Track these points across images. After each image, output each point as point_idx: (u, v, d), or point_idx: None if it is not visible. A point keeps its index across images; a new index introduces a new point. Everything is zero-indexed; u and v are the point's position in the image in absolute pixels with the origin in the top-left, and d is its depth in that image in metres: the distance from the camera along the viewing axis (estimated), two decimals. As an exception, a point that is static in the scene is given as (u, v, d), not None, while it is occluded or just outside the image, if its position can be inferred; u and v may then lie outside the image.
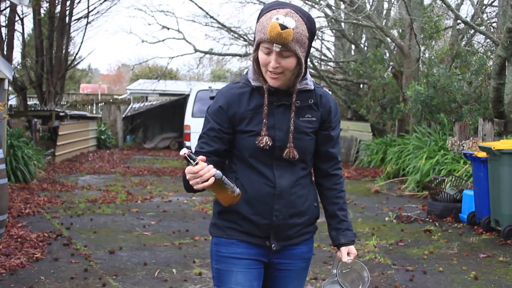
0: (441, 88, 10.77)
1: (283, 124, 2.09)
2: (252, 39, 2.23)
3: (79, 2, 17.08)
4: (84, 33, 17.05)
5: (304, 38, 2.00)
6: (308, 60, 2.20)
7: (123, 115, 20.05)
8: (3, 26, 14.05)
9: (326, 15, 15.08)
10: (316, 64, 17.19)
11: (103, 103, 23.09)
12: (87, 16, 16.86)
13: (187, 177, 1.90)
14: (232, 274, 2.13)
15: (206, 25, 16.92)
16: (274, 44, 1.96)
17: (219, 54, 18.07)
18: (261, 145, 2.06)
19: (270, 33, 1.94)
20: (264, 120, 2.07)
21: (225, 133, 2.11)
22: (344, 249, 2.18)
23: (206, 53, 17.77)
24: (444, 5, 11.47)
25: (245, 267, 2.13)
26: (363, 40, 17.59)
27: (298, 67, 2.04)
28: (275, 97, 2.09)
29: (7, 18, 14.17)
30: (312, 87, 2.13)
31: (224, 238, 2.14)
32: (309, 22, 2.02)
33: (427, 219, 7.05)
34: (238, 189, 1.95)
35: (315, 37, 2.17)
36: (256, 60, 2.06)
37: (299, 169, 2.15)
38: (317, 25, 13.66)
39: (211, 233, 2.20)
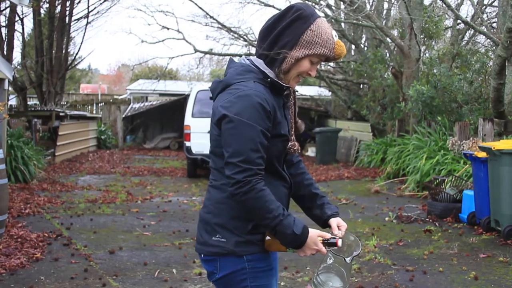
0: (442, 88, 10.77)
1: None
2: (263, 42, 2.20)
3: (79, 2, 17.12)
4: (84, 33, 17.12)
5: None
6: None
7: (123, 115, 20.06)
8: (3, 26, 14.05)
9: (326, 15, 15.05)
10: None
11: (103, 103, 23.07)
12: (87, 16, 16.88)
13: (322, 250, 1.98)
14: (272, 287, 2.07)
15: (206, 25, 16.93)
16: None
17: (219, 54, 18.07)
18: (294, 149, 2.07)
19: (340, 52, 2.00)
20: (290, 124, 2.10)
21: (268, 139, 1.95)
22: (333, 221, 2.12)
23: (206, 53, 17.76)
24: (444, 5, 11.47)
25: (275, 275, 2.09)
26: (363, 40, 17.58)
27: None
28: (286, 99, 2.11)
29: (7, 18, 14.17)
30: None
31: (261, 252, 2.02)
32: None
33: (427, 219, 7.04)
34: None
35: None
36: (292, 64, 2.01)
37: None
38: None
39: (246, 252, 2.00)
